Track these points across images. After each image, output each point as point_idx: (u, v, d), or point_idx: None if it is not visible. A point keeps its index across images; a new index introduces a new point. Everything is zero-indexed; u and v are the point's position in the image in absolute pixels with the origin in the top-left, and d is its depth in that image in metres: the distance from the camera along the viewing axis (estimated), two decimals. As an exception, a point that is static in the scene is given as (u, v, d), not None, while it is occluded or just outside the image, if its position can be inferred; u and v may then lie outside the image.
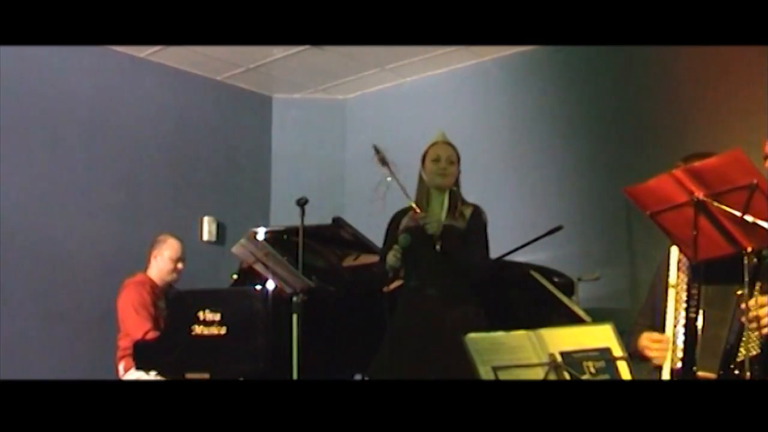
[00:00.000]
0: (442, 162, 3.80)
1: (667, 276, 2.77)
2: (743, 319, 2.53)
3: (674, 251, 2.76)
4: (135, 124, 5.74)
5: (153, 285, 4.85)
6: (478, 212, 3.83)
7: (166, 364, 4.27)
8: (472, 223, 3.78)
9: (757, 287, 2.55)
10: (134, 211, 5.65)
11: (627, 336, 2.83)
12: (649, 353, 2.73)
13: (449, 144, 3.86)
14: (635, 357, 2.78)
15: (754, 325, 2.52)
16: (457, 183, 3.85)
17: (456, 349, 3.43)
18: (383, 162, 3.74)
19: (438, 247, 3.64)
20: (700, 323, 2.64)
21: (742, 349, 2.53)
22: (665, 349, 2.67)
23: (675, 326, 2.68)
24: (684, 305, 2.69)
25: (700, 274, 2.68)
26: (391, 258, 3.65)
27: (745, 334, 2.53)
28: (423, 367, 3.54)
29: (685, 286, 2.71)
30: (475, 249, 3.77)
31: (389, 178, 3.73)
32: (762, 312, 2.51)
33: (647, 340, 2.75)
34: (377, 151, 3.75)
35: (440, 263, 3.67)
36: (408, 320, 3.71)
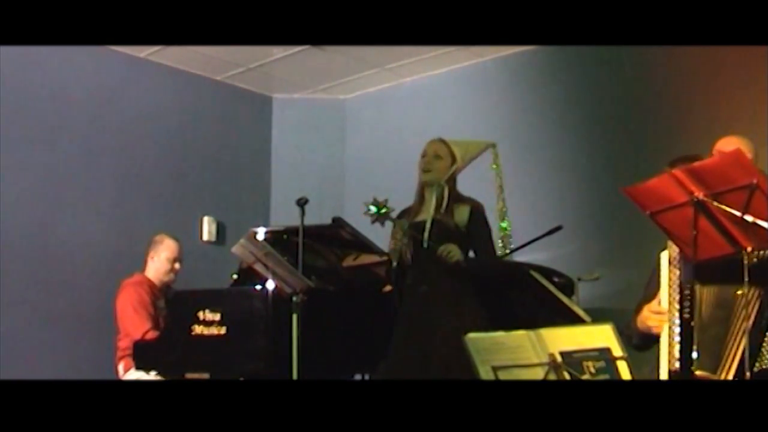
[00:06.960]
0: (427, 157, 3.84)
1: (659, 280, 2.77)
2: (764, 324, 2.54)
3: (664, 256, 2.76)
4: (135, 124, 5.73)
5: (151, 285, 4.85)
6: (477, 211, 3.83)
7: (166, 364, 4.28)
8: (473, 226, 3.79)
9: None
10: (134, 211, 5.65)
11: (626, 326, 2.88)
12: (649, 322, 2.78)
13: (441, 141, 3.88)
14: (637, 334, 2.85)
15: None
16: (451, 179, 3.84)
17: (449, 346, 3.49)
18: (382, 219, 3.74)
19: (425, 244, 3.66)
20: (696, 323, 2.64)
21: (765, 353, 2.53)
22: (663, 320, 2.70)
23: (670, 327, 2.68)
24: (677, 306, 2.69)
25: (692, 274, 2.68)
26: (393, 241, 3.75)
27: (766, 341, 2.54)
28: (418, 364, 3.57)
29: (677, 288, 2.71)
30: (482, 253, 3.80)
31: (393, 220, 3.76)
32: None
33: (647, 311, 2.79)
34: (375, 204, 3.72)
35: (429, 260, 3.69)
36: (404, 318, 3.76)
